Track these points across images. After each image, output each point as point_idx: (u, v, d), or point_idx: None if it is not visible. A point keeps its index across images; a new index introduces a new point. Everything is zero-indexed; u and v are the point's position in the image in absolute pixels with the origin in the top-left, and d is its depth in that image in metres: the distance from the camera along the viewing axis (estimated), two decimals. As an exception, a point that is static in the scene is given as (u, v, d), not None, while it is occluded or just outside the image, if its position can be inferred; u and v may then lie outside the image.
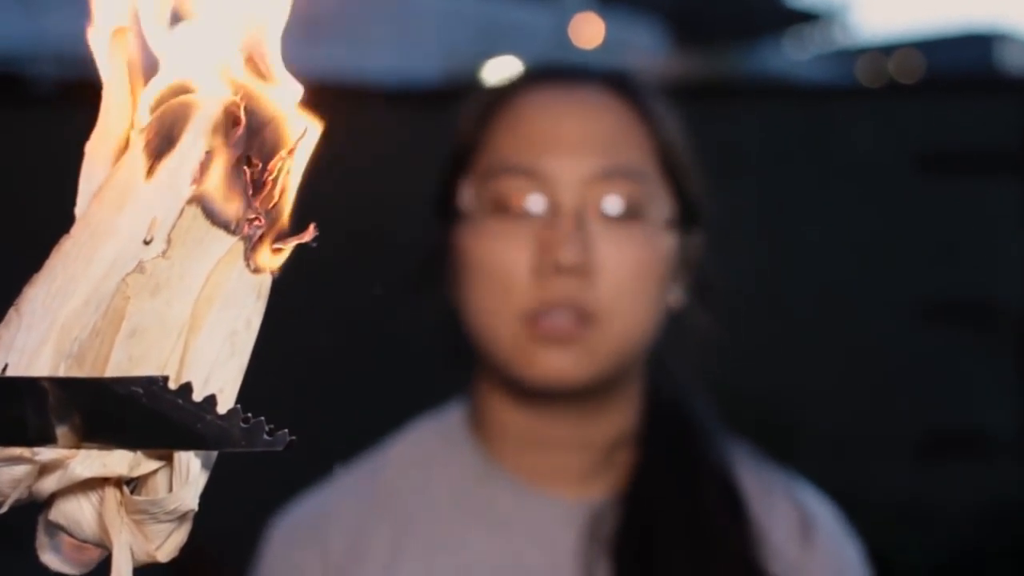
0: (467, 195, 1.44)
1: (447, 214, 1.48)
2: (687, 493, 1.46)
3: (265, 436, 0.51)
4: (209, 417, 0.51)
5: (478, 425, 1.52)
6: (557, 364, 1.38)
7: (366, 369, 4.35)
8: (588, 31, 15.36)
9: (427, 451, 1.54)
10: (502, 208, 1.41)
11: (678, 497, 1.46)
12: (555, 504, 1.47)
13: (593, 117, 1.45)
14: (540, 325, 1.38)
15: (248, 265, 0.54)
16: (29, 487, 0.55)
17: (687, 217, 1.47)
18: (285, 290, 0.58)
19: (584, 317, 1.38)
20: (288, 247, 0.55)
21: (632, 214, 1.41)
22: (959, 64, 15.32)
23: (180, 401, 0.50)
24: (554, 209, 1.40)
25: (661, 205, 1.44)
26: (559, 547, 1.44)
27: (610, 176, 1.41)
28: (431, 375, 1.66)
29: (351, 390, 4.32)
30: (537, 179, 1.40)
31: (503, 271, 1.40)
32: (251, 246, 0.54)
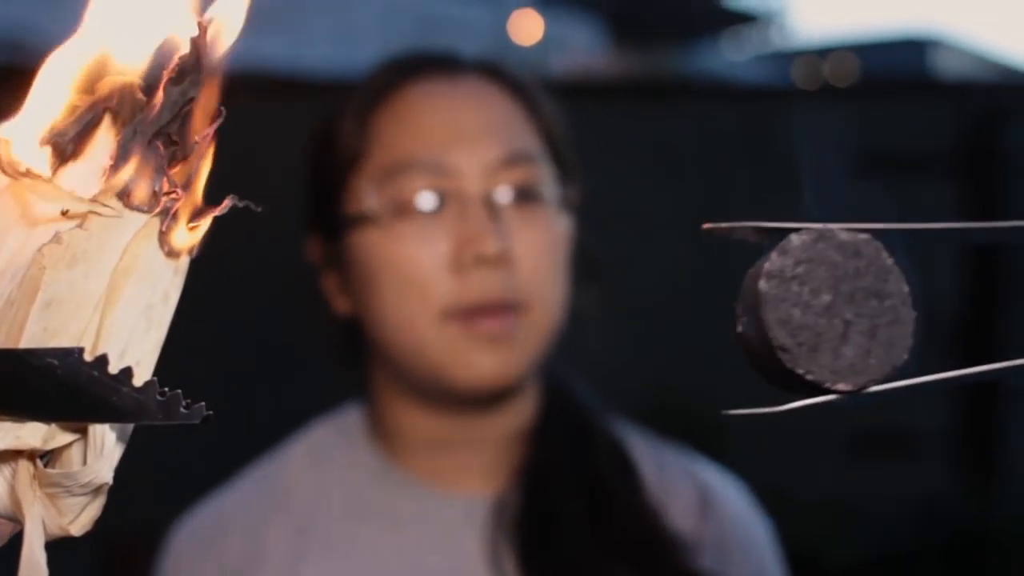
0: (366, 198, 1.40)
1: (335, 223, 1.43)
2: (581, 468, 1.45)
3: (182, 410, 0.51)
4: (125, 390, 0.50)
5: (377, 427, 1.49)
6: (494, 364, 1.37)
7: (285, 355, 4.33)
8: (527, 28, 15.38)
9: (324, 453, 1.51)
10: (406, 207, 1.38)
11: (573, 474, 1.45)
12: (457, 503, 1.45)
13: (485, 106, 1.44)
14: (474, 325, 1.36)
15: (163, 247, 0.54)
16: None
17: (572, 198, 1.47)
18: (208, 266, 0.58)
19: (513, 310, 1.37)
20: (203, 225, 0.55)
21: (533, 198, 1.41)
22: (894, 68, 15.46)
23: (96, 373, 0.49)
24: (461, 201, 1.38)
25: (553, 187, 1.44)
26: (464, 546, 1.43)
27: (510, 162, 1.40)
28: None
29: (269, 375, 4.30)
30: (441, 174, 1.38)
31: (419, 272, 1.37)
32: (165, 228, 0.53)
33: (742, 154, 5.15)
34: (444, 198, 1.38)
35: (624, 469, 1.47)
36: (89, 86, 0.55)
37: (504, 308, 1.37)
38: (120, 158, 0.53)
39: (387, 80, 1.45)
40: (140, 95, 0.55)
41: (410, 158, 1.39)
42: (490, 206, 1.38)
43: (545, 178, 1.43)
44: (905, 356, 0.58)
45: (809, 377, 0.57)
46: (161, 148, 0.54)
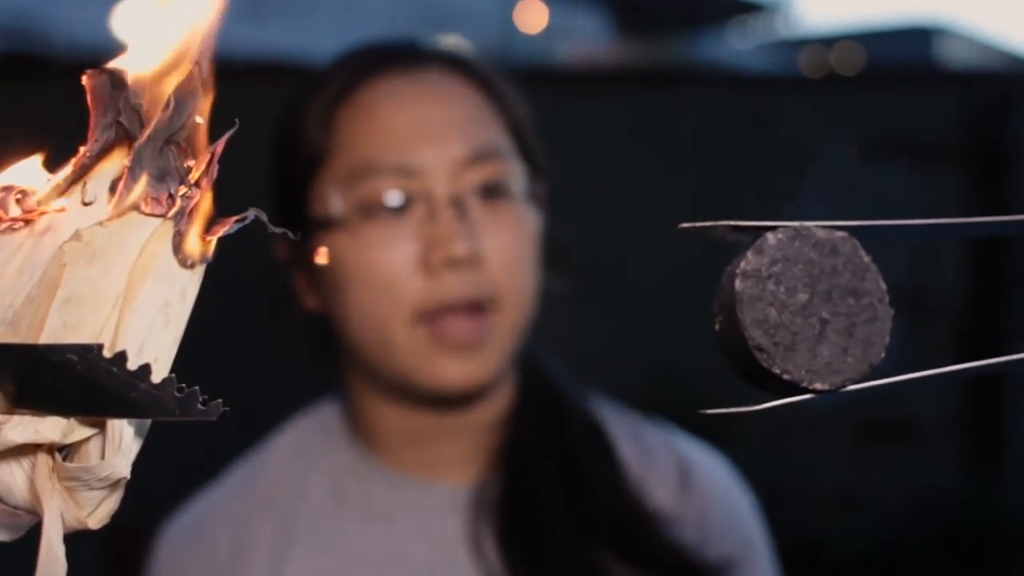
0: (332, 201, 1.39)
1: (301, 223, 1.41)
2: (557, 450, 1.45)
3: (199, 406, 0.51)
4: (143, 386, 0.51)
5: (355, 423, 1.49)
6: (463, 372, 1.37)
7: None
8: (532, 17, 15.37)
9: (305, 449, 1.51)
10: (373, 210, 1.37)
11: (549, 456, 1.44)
12: (438, 492, 1.45)
13: (450, 102, 1.42)
14: (442, 332, 1.35)
15: (177, 255, 0.54)
16: None
17: (541, 189, 1.46)
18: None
19: (483, 310, 1.36)
20: (216, 236, 0.55)
21: (501, 193, 1.40)
22: (899, 57, 15.44)
23: (115, 369, 0.50)
24: (429, 202, 1.36)
25: (520, 180, 1.42)
26: (445, 535, 1.43)
27: (477, 159, 1.39)
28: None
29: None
30: (407, 175, 1.37)
31: (388, 275, 1.35)
32: (178, 236, 0.54)
33: (747, 143, 5.16)
34: (411, 199, 1.37)
35: (601, 448, 1.47)
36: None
37: (474, 309, 1.36)
38: (135, 164, 0.54)
39: (349, 77, 1.43)
40: (141, 102, 0.55)
41: (375, 160, 1.38)
42: (458, 206, 1.36)
43: (513, 173, 1.41)
44: (883, 354, 0.58)
45: (786, 377, 0.57)
46: (174, 152, 0.55)
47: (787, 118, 5.17)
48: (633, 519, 1.43)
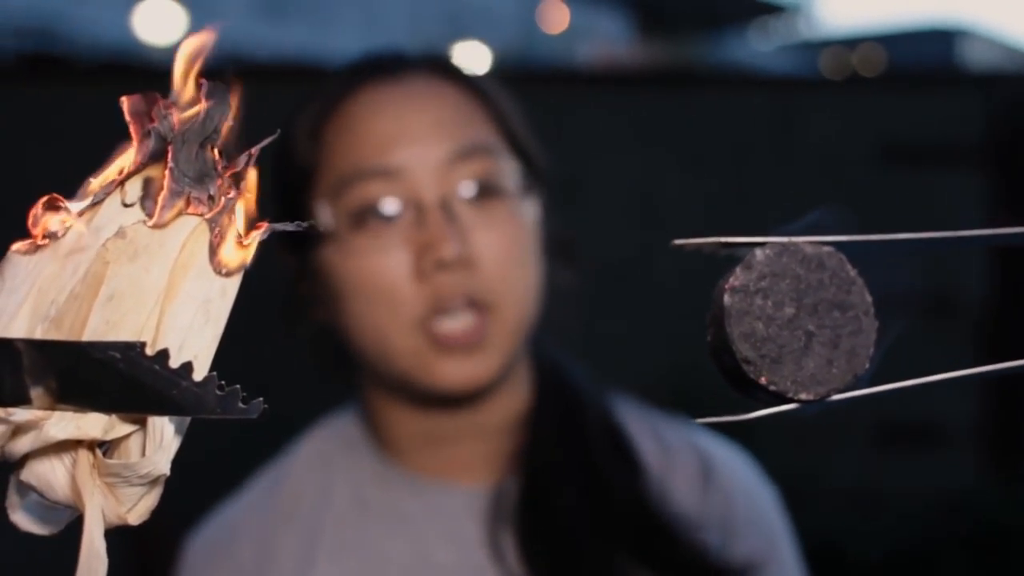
0: (322, 214, 1.39)
1: (300, 238, 1.40)
2: (577, 452, 1.45)
3: (240, 404, 0.52)
4: (185, 384, 0.51)
5: (373, 429, 1.50)
6: (462, 371, 1.36)
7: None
8: (554, 17, 15.38)
9: (326, 456, 1.52)
10: (363, 218, 1.36)
11: (569, 458, 1.44)
12: (459, 495, 1.45)
13: (431, 103, 1.41)
14: (439, 334, 1.35)
15: (213, 263, 0.55)
16: (2, 447, 0.55)
17: (537, 183, 1.45)
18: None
19: (479, 309, 1.36)
20: (253, 241, 0.56)
21: (491, 191, 1.39)
22: (921, 58, 15.41)
23: (157, 367, 0.51)
24: (417, 206, 1.36)
25: (513, 176, 1.41)
26: (468, 537, 1.43)
27: (462, 157, 1.38)
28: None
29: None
30: (391, 178, 1.36)
31: (384, 283, 1.35)
32: (218, 238, 0.55)
33: (768, 144, 5.15)
34: (400, 203, 1.36)
35: (620, 449, 1.47)
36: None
37: (469, 309, 1.35)
38: (176, 168, 0.54)
39: (335, 91, 1.43)
40: (172, 110, 0.56)
41: (358, 166, 1.37)
42: (446, 207, 1.36)
43: (503, 170, 1.40)
44: (867, 365, 0.60)
45: (772, 388, 0.59)
46: (209, 154, 0.55)
47: (808, 119, 5.16)
48: (654, 524, 1.42)
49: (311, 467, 1.52)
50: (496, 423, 1.45)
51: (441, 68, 1.45)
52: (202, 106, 0.56)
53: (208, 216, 0.55)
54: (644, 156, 5.02)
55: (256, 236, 0.56)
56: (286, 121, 1.45)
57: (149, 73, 5.95)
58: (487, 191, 1.38)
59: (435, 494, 1.46)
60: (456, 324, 1.35)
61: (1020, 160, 5.23)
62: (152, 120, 0.55)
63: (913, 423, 4.96)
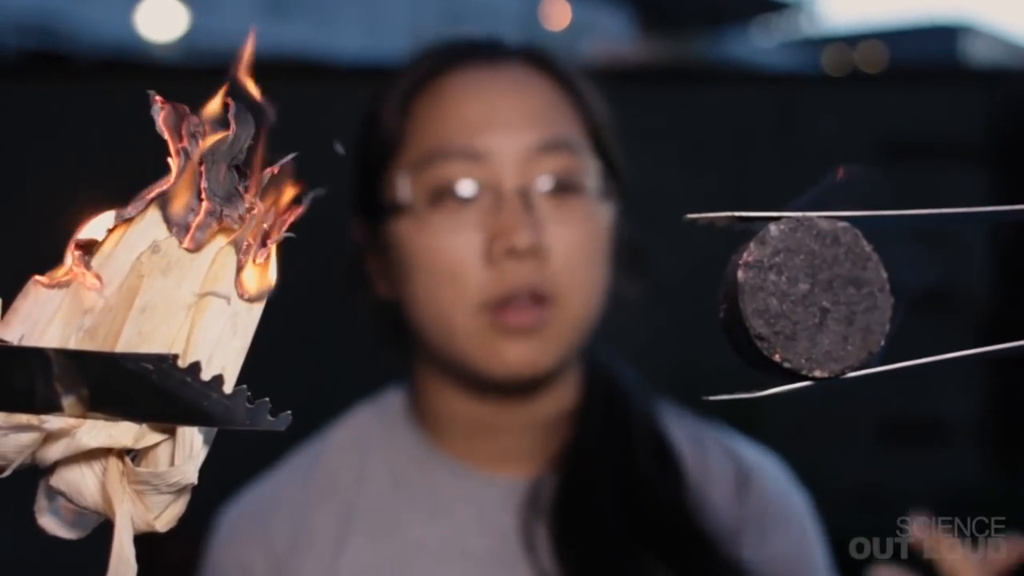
0: (401, 187, 1.40)
1: (376, 209, 1.43)
2: (619, 455, 1.45)
3: (268, 417, 0.53)
4: (216, 396, 0.53)
5: (419, 411, 1.50)
6: (522, 355, 1.37)
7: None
8: (556, 14, 15.38)
9: (367, 437, 1.52)
10: (441, 197, 1.38)
11: (611, 461, 1.45)
12: (497, 485, 1.46)
13: (523, 93, 1.42)
14: (503, 317, 1.36)
15: (238, 292, 0.56)
16: (33, 453, 0.57)
17: (616, 188, 1.46)
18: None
19: (543, 301, 1.36)
20: (271, 262, 0.57)
21: (571, 188, 1.40)
22: (923, 55, 15.40)
23: (189, 379, 0.52)
24: (496, 191, 1.37)
25: (594, 177, 1.42)
26: (503, 527, 1.43)
27: (547, 150, 1.39)
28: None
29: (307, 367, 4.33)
30: (475, 161, 1.37)
31: (453, 263, 1.36)
32: (242, 259, 0.56)
33: (770, 141, 5.15)
34: (479, 187, 1.37)
35: (662, 455, 1.47)
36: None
37: (533, 300, 1.36)
38: (208, 189, 0.56)
39: (429, 68, 1.45)
40: (201, 130, 0.58)
41: (445, 145, 1.38)
42: (525, 197, 1.37)
43: (585, 168, 1.41)
44: (882, 342, 0.60)
45: (786, 365, 0.59)
46: (236, 174, 0.57)
47: (810, 116, 5.17)
48: (689, 532, 1.43)
49: (351, 446, 1.52)
50: (543, 418, 1.46)
51: (536, 59, 1.46)
52: (231, 128, 0.57)
53: (231, 240, 0.56)
54: (646, 153, 5.03)
55: (271, 256, 0.57)
56: (374, 93, 1.48)
57: (151, 70, 5.97)
58: (566, 187, 1.39)
59: (473, 482, 1.46)
60: (520, 309, 1.36)
61: (1022, 156, 5.24)
62: (182, 138, 0.56)
63: (917, 420, 4.97)
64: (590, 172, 1.42)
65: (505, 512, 1.44)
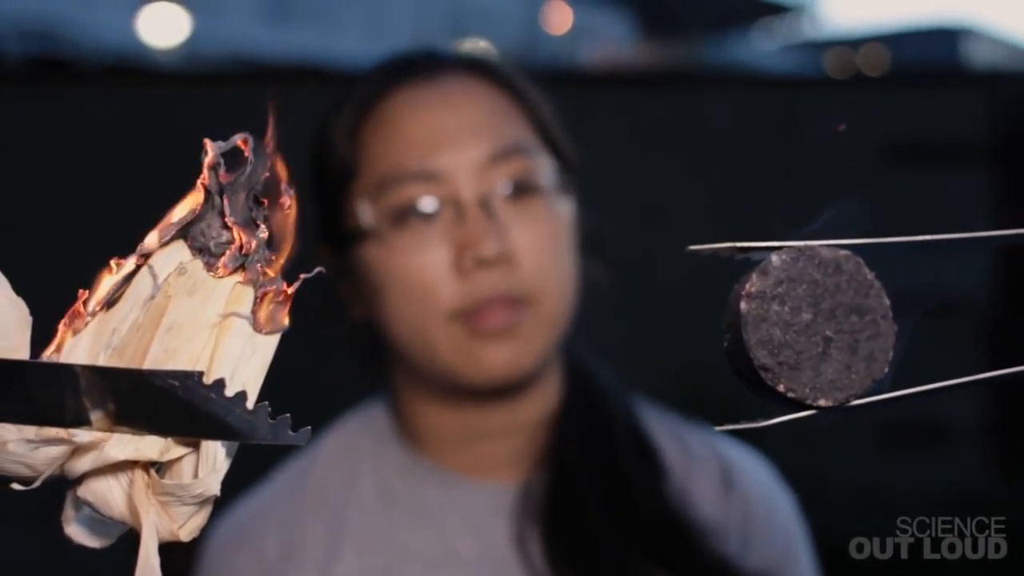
0: (363, 213, 1.41)
1: (340, 236, 1.44)
2: (602, 455, 1.47)
3: (289, 432, 0.56)
4: (239, 411, 0.55)
5: (402, 423, 1.52)
6: (501, 358, 1.38)
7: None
8: (558, 18, 15.40)
9: (354, 450, 1.54)
10: (404, 217, 1.39)
11: (594, 460, 1.46)
12: (485, 491, 1.47)
13: (468, 105, 1.44)
14: (477, 323, 1.37)
15: (256, 328, 0.59)
16: (62, 465, 0.59)
17: (571, 181, 1.48)
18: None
19: (517, 305, 1.38)
20: (288, 305, 0.60)
21: (529, 189, 1.41)
22: (925, 58, 15.41)
23: (213, 395, 0.55)
24: (457, 205, 1.38)
25: (550, 175, 1.44)
26: (493, 534, 1.45)
27: (500, 157, 1.40)
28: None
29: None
30: (431, 180, 1.39)
31: (424, 279, 1.38)
32: (260, 294, 0.59)
33: (772, 144, 5.17)
34: (440, 203, 1.39)
35: (645, 452, 1.49)
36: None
37: (503, 303, 1.37)
38: (233, 218, 0.58)
39: (372, 91, 1.46)
40: (220, 162, 0.60)
41: (399, 169, 1.40)
42: (486, 206, 1.38)
43: (540, 168, 1.43)
44: (886, 369, 0.60)
45: (791, 395, 0.59)
46: (253, 203, 0.60)
47: (812, 119, 5.18)
48: (675, 528, 1.44)
49: (338, 457, 1.54)
50: (526, 421, 1.47)
51: (475, 67, 1.48)
52: (248, 162, 0.60)
53: (244, 280, 0.59)
54: (648, 156, 5.04)
55: (289, 301, 0.60)
56: (322, 120, 1.49)
57: (153, 76, 5.98)
58: (524, 188, 1.41)
59: (462, 489, 1.48)
60: (495, 313, 1.37)
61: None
62: (204, 171, 0.59)
63: (919, 423, 4.98)
64: (545, 171, 1.43)
65: (494, 517, 1.46)
